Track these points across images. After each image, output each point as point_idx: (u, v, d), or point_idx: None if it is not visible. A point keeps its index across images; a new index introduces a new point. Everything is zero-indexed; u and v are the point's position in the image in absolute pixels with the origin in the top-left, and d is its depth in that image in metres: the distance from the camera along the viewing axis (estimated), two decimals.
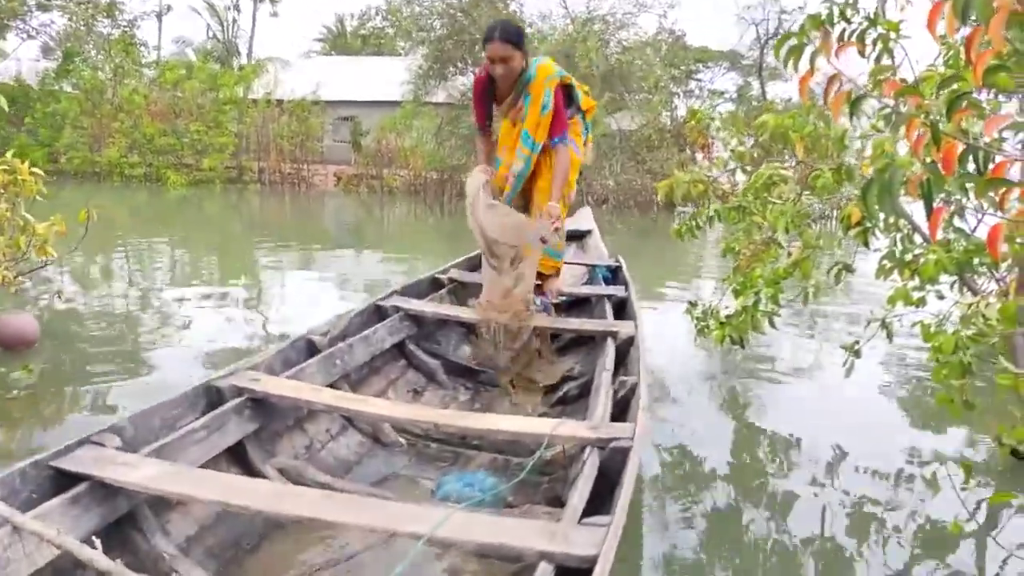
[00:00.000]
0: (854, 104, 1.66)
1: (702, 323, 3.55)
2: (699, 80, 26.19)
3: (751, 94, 24.01)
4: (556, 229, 3.04)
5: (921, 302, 2.69)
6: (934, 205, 1.37)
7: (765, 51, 21.45)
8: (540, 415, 2.82)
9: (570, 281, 4.61)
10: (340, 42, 37.30)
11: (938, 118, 1.48)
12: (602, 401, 2.21)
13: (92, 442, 1.72)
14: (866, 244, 3.09)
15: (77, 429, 1.91)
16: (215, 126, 20.11)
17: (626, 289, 3.80)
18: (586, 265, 4.64)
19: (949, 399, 2.58)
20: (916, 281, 2.75)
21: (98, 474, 1.60)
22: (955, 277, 3.00)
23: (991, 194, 1.61)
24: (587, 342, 3.28)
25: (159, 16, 28.85)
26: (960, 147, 1.50)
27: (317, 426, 2.41)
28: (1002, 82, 1.54)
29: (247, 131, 21.36)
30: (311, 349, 2.61)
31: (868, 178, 1.43)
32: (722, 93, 24.31)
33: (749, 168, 4.41)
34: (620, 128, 17.45)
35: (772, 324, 3.37)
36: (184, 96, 20.26)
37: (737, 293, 3.22)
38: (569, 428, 1.96)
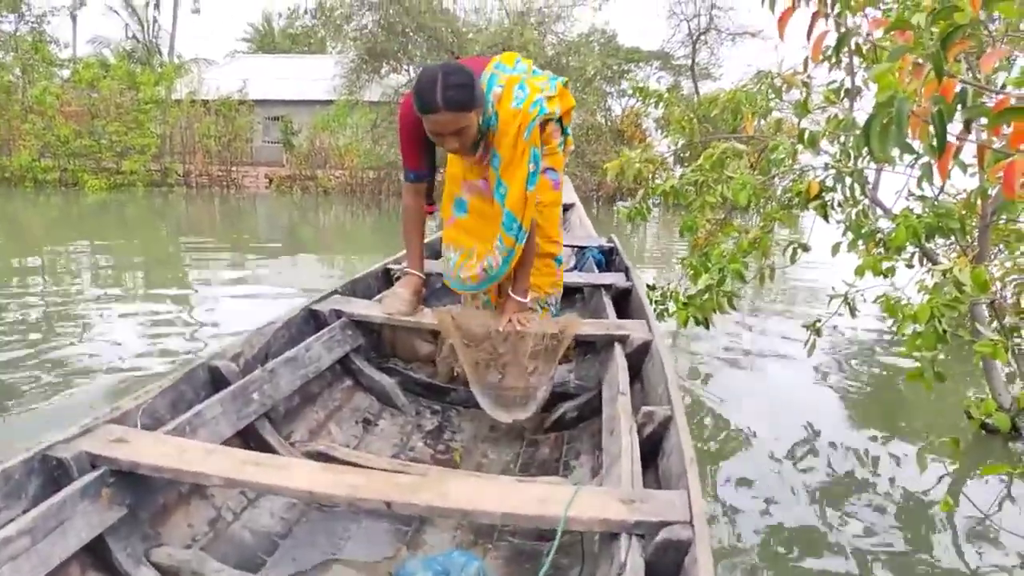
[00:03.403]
0: (840, 41, 1.51)
1: (661, 306, 3.41)
2: (632, 80, 26.42)
3: (682, 94, 24.36)
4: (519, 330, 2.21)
5: (890, 272, 2.60)
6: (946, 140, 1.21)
7: (697, 48, 21.75)
8: (527, 445, 2.20)
9: None
10: (267, 41, 36.20)
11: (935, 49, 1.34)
12: (626, 448, 1.54)
13: None
14: (825, 217, 3.01)
15: None
16: (136, 126, 19.09)
17: (627, 276, 3.07)
18: (573, 247, 3.85)
19: (919, 374, 2.49)
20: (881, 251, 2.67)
21: None
22: (916, 248, 2.95)
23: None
24: (582, 346, 2.60)
25: (73, 15, 27.44)
26: (957, 86, 1.37)
27: (226, 491, 1.71)
28: (1007, 11, 1.41)
29: (170, 132, 20.44)
30: (216, 381, 1.89)
31: (870, 115, 1.27)
32: (658, 92, 24.51)
33: (689, 155, 4.29)
34: None
35: (732, 305, 3.24)
36: (101, 96, 19.13)
37: (696, 272, 3.08)
38: (590, 501, 1.29)
